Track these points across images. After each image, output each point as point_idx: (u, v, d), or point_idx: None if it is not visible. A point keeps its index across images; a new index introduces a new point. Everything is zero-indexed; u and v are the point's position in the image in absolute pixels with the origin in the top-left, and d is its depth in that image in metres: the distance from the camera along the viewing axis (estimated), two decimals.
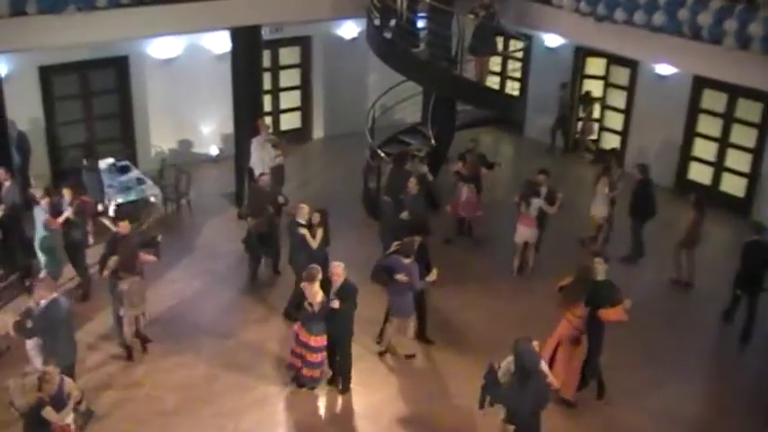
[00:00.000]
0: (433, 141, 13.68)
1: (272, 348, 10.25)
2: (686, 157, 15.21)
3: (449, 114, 14.23)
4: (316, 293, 8.79)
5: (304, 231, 10.21)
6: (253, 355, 10.09)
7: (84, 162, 12.74)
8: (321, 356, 9.17)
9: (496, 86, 17.77)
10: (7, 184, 11.17)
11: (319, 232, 10.23)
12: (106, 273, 9.66)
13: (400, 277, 9.41)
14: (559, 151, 17.35)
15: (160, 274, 11.19)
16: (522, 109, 16.27)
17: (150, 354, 9.99)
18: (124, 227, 9.70)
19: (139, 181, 13.28)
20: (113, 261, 9.51)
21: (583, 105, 16.84)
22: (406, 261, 9.46)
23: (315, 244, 10.19)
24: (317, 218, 10.27)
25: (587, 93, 16.80)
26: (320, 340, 9.02)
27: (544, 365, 7.89)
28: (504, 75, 18.29)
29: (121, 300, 9.56)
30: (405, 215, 11.00)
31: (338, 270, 8.89)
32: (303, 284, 8.86)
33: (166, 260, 11.72)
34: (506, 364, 7.75)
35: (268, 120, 15.09)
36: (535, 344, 7.74)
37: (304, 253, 10.20)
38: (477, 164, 13.02)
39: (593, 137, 16.92)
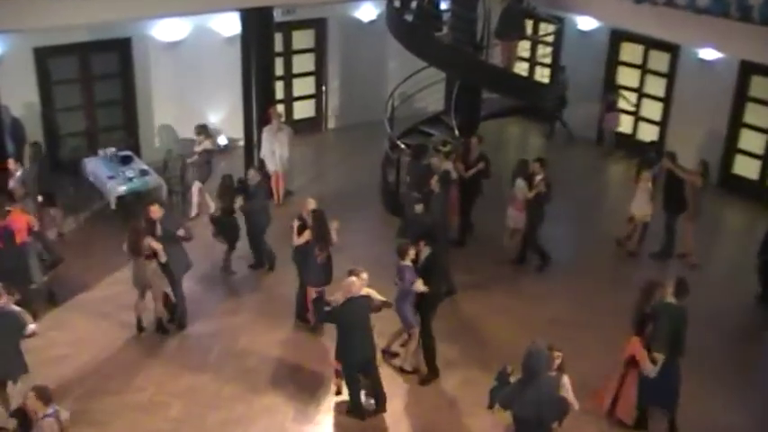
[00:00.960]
0: (456, 132, 13.61)
1: (282, 352, 10.22)
2: (731, 149, 15.04)
3: (473, 103, 14.15)
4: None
5: (293, 224, 10.31)
6: (262, 359, 10.07)
7: None
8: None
9: (525, 73, 17.67)
10: (18, 174, 11.22)
11: (306, 233, 10.18)
12: (124, 247, 10.08)
13: (396, 279, 9.45)
14: (564, 139, 17.37)
15: None
16: (552, 98, 16.15)
17: (154, 356, 10.02)
18: (155, 210, 10.05)
19: (143, 172, 13.28)
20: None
21: (606, 94, 16.69)
22: (402, 263, 9.41)
23: (296, 241, 10.24)
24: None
25: (612, 81, 16.67)
26: None
27: (566, 380, 7.73)
28: (533, 61, 18.15)
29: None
30: (419, 208, 10.94)
31: (348, 288, 8.63)
32: None
33: None
34: None
35: (280, 108, 15.09)
36: (557, 354, 7.63)
37: (297, 250, 10.35)
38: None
39: (618, 128, 16.74)
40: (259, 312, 11.06)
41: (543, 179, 11.72)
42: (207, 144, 13.24)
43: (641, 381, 8.65)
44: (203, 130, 13.36)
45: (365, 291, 8.75)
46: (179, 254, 10.30)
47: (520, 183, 11.88)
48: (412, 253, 9.41)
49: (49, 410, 7.06)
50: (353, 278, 8.64)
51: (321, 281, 10.32)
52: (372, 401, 9.14)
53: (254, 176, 11.61)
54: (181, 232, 10.19)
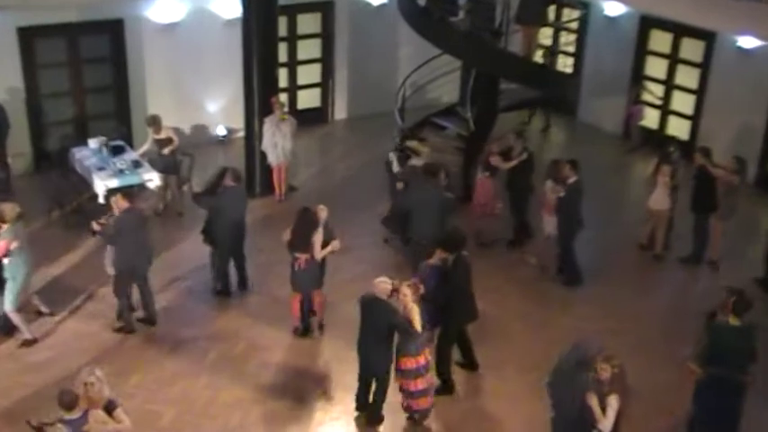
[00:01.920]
0: (471, 124, 13.55)
1: (282, 358, 10.20)
2: None
3: (491, 94, 14.08)
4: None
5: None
6: (261, 364, 10.04)
7: None
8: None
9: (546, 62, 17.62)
10: None
11: (289, 232, 10.11)
12: None
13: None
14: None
15: (157, 271, 11.13)
16: (575, 89, 16.08)
17: (145, 360, 9.99)
18: (118, 200, 10.16)
19: (135, 164, 13.23)
20: None
21: (634, 85, 16.62)
22: (428, 261, 9.45)
23: (284, 236, 10.21)
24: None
25: (640, 71, 16.59)
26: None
27: (612, 400, 7.47)
28: (555, 49, 18.08)
29: None
30: (400, 185, 11.37)
31: (373, 285, 8.68)
32: None
33: (165, 255, 11.85)
34: None
35: (283, 97, 15.04)
36: (603, 367, 7.41)
37: None
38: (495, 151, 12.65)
39: (642, 122, 16.66)
40: (259, 315, 11.00)
41: (576, 182, 11.50)
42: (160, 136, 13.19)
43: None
44: (154, 121, 13.18)
45: (409, 306, 8.57)
46: (136, 247, 10.17)
47: (549, 184, 11.77)
48: (438, 255, 9.40)
49: (75, 415, 6.96)
50: (383, 278, 8.66)
51: (300, 287, 10.23)
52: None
53: (227, 182, 11.09)
54: (95, 227, 10.21)
